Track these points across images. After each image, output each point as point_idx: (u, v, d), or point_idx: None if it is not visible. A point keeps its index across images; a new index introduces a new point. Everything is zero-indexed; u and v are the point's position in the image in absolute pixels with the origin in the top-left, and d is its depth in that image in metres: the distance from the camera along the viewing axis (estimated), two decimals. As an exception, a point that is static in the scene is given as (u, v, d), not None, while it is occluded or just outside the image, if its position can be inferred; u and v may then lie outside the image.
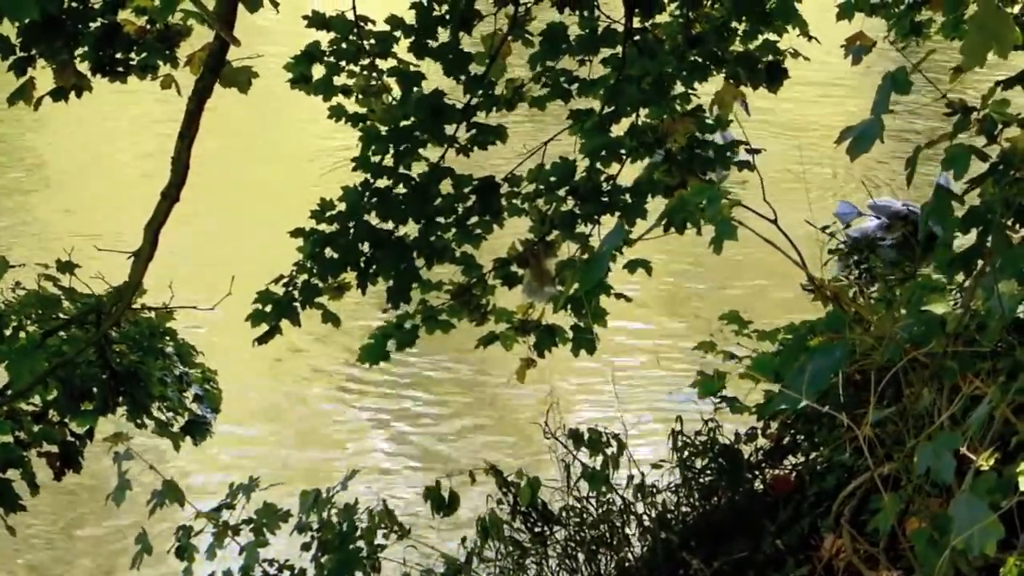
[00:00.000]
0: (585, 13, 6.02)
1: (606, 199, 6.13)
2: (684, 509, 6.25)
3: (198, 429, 6.46)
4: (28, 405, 6.03)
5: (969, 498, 3.13)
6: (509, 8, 6.06)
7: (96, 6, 5.85)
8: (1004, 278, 3.61)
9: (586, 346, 6.29)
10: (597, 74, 6.15)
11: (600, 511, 6.20)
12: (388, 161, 6.06)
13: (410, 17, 5.99)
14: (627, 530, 6.18)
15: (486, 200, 6.12)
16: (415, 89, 6.00)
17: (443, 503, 5.89)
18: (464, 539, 6.05)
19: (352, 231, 6.07)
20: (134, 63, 5.98)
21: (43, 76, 5.95)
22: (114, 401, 6.12)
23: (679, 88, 6.11)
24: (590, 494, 6.19)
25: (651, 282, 7.10)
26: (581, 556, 6.18)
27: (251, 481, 5.74)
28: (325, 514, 5.73)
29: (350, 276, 6.12)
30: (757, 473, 6.21)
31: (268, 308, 6.08)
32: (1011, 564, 3.32)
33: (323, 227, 6.09)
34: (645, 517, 6.18)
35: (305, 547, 5.75)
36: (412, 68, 6.03)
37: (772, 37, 6.07)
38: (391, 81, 6.05)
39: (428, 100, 5.95)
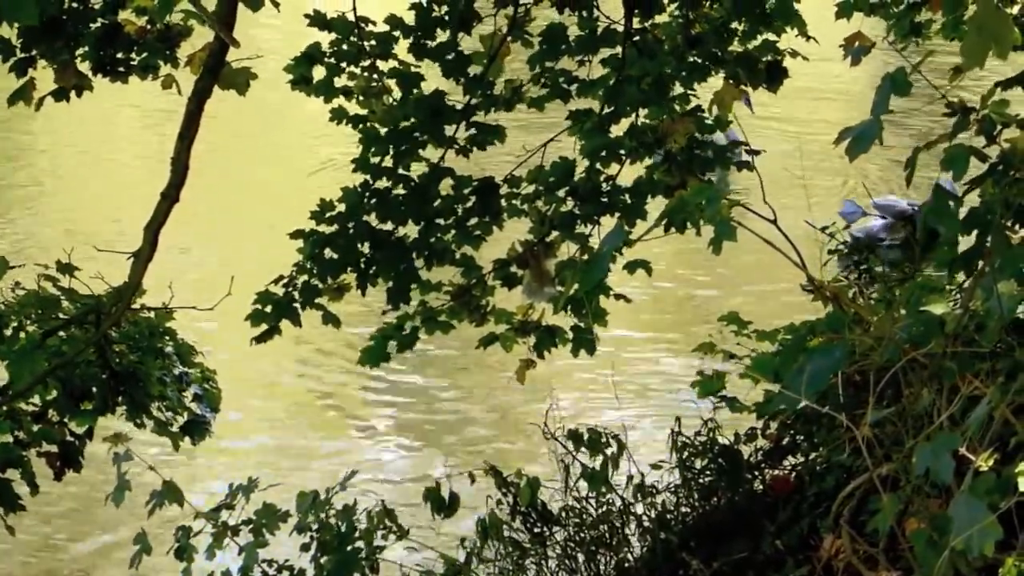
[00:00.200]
0: (584, 13, 6.02)
1: (606, 200, 6.13)
2: (684, 509, 6.25)
3: (197, 429, 6.46)
4: (28, 405, 6.03)
5: (968, 499, 3.13)
6: (508, 9, 6.06)
7: (96, 6, 5.86)
8: (1003, 278, 3.60)
9: (586, 346, 6.29)
10: (596, 74, 6.15)
11: (599, 511, 6.20)
12: (388, 162, 6.06)
13: (409, 18, 5.99)
14: (626, 530, 6.18)
15: (486, 201, 6.12)
16: (415, 91, 6.00)
17: (443, 504, 5.89)
18: (463, 540, 6.05)
19: (352, 232, 6.07)
20: (135, 63, 5.99)
21: (44, 76, 5.95)
22: (114, 401, 6.12)
23: (679, 88, 6.11)
24: (589, 494, 6.19)
25: (652, 282, 7.11)
26: (581, 556, 6.18)
27: (250, 482, 5.74)
28: (324, 515, 5.73)
29: (350, 277, 6.12)
30: (757, 473, 6.21)
31: (268, 308, 6.08)
32: (1010, 565, 3.32)
33: (323, 228, 6.09)
34: (644, 517, 6.18)
35: (304, 548, 5.75)
36: (412, 69, 6.04)
37: (771, 37, 6.07)
38: (391, 82, 6.05)
39: (428, 101, 5.96)
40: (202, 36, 5.82)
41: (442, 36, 5.99)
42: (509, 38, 6.07)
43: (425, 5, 5.94)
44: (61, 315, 6.06)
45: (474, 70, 6.04)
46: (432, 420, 11.23)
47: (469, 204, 6.15)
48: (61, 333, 6.01)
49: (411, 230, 6.18)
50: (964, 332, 3.79)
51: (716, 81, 6.16)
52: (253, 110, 15.22)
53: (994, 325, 3.64)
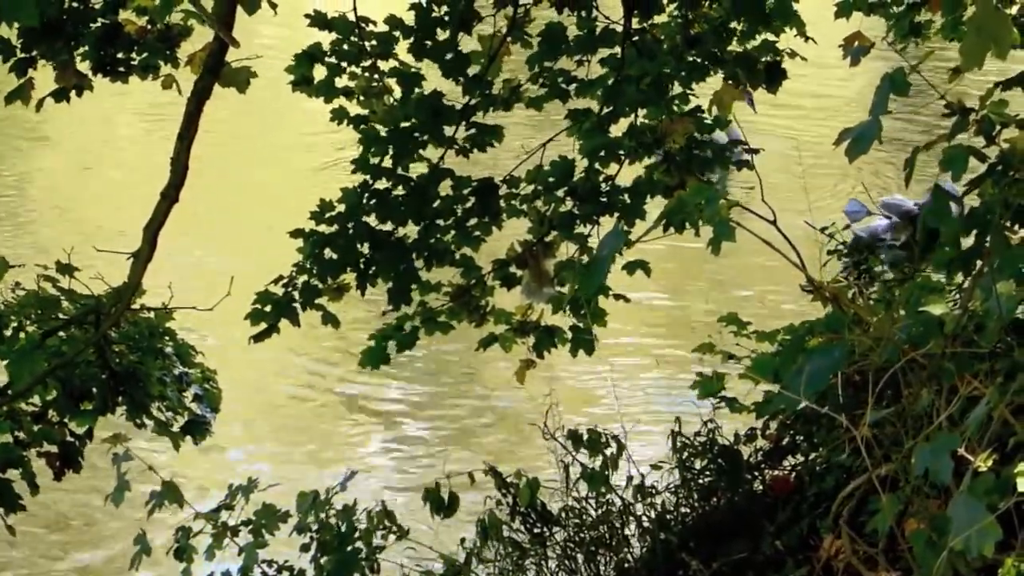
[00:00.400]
0: (583, 13, 6.02)
1: (605, 200, 6.13)
2: (683, 510, 6.25)
3: (198, 429, 6.46)
4: (28, 405, 6.04)
5: (967, 499, 3.13)
6: (508, 9, 6.06)
7: (97, 6, 5.86)
8: (1002, 279, 3.60)
9: (585, 347, 6.29)
10: (596, 74, 6.16)
11: (599, 512, 6.20)
12: (387, 163, 6.06)
13: (409, 18, 5.99)
14: (626, 531, 6.18)
15: (485, 201, 6.12)
16: (416, 90, 6.00)
17: (442, 504, 5.89)
18: (463, 540, 6.05)
19: (351, 232, 6.07)
20: (135, 63, 6.00)
21: (46, 75, 5.96)
22: (114, 401, 6.12)
23: (678, 88, 6.11)
24: (589, 495, 6.19)
25: (652, 283, 7.11)
26: (580, 557, 6.18)
27: (250, 482, 5.74)
28: (324, 515, 5.74)
29: (349, 277, 6.13)
30: (756, 474, 6.21)
31: (268, 308, 6.09)
32: (1009, 565, 3.32)
33: (323, 228, 6.10)
34: (644, 518, 6.18)
35: (304, 548, 5.75)
36: (412, 69, 6.04)
37: (770, 37, 6.07)
38: (392, 82, 6.05)
39: (428, 101, 5.96)
40: (202, 36, 5.82)
41: (442, 36, 5.99)
42: (509, 38, 6.07)
43: (425, 5, 5.94)
44: (61, 315, 6.06)
45: (473, 70, 6.04)
46: (432, 420, 11.23)
47: (468, 204, 6.15)
48: (61, 333, 6.01)
49: (411, 230, 6.18)
50: (963, 332, 3.80)
51: (715, 81, 6.17)
52: (253, 111, 15.26)
53: (993, 325, 3.64)
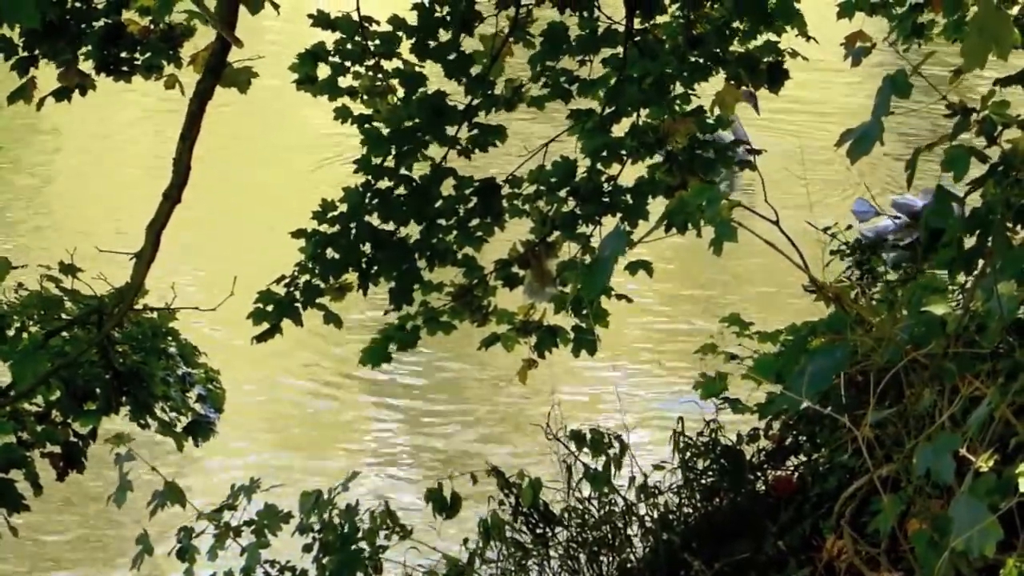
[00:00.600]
0: (585, 14, 6.02)
1: (607, 200, 6.13)
2: (686, 510, 6.26)
3: (201, 429, 6.46)
4: (31, 405, 6.04)
5: (968, 499, 3.12)
6: (510, 9, 6.06)
7: (100, 6, 5.86)
8: (1004, 279, 3.60)
9: (587, 347, 6.29)
10: (598, 74, 6.15)
11: (602, 512, 6.20)
12: (390, 162, 6.06)
13: (411, 18, 6.00)
14: (629, 531, 6.18)
15: (487, 201, 6.12)
16: (420, 90, 6.00)
17: (445, 505, 5.90)
18: (466, 540, 6.06)
19: (353, 232, 6.08)
20: (138, 63, 6.00)
21: (48, 75, 5.96)
22: (117, 401, 6.12)
23: (680, 88, 6.11)
24: (592, 495, 6.19)
25: (654, 283, 7.11)
26: (583, 557, 6.18)
27: (252, 482, 5.74)
28: (326, 515, 5.74)
29: (351, 277, 6.13)
30: (759, 474, 6.21)
31: (269, 308, 6.09)
32: (1011, 565, 3.32)
33: (324, 228, 6.10)
34: (647, 518, 6.19)
35: (307, 548, 5.76)
36: (416, 68, 6.04)
37: (772, 38, 6.06)
38: (395, 82, 6.05)
39: (430, 101, 5.96)
40: (205, 36, 5.82)
41: (444, 36, 5.99)
42: (511, 38, 6.07)
43: (427, 5, 5.94)
44: (64, 316, 6.06)
45: (475, 70, 6.04)
46: (433, 420, 11.23)
47: (471, 204, 6.15)
48: (64, 334, 6.01)
49: (413, 230, 6.18)
50: (965, 333, 3.79)
51: (718, 81, 6.16)
52: (254, 111, 15.26)
53: (995, 326, 3.63)
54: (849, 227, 8.19)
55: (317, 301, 6.13)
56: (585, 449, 6.21)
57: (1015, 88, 5.47)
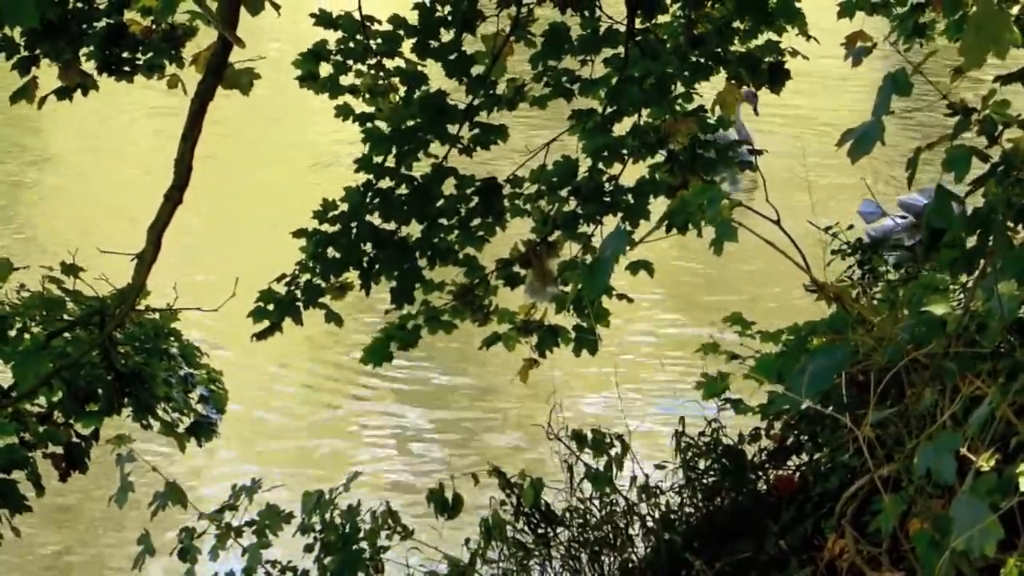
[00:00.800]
0: (587, 13, 6.03)
1: (608, 199, 6.13)
2: (687, 510, 6.25)
3: (204, 430, 6.46)
4: (33, 406, 6.04)
5: (969, 499, 3.12)
6: (511, 9, 6.06)
7: (102, 6, 5.87)
8: (1005, 279, 3.60)
9: (588, 346, 6.29)
10: (599, 74, 6.16)
11: (603, 512, 6.20)
12: (391, 161, 6.07)
13: (413, 18, 6.00)
14: (630, 531, 6.18)
15: (488, 201, 6.13)
16: (423, 88, 6.01)
17: (446, 505, 5.90)
18: (467, 540, 6.06)
19: (355, 231, 6.08)
20: (140, 63, 6.00)
21: (50, 74, 5.96)
22: (119, 402, 6.13)
23: (681, 88, 6.11)
24: (593, 495, 6.19)
25: (656, 283, 7.11)
26: (584, 557, 6.18)
27: (253, 483, 5.75)
28: (328, 515, 5.74)
29: (353, 276, 6.13)
30: (760, 474, 6.21)
31: (270, 307, 6.09)
32: (1011, 565, 3.32)
33: (326, 227, 6.10)
34: (648, 518, 6.19)
35: (308, 549, 5.76)
36: (419, 67, 6.04)
37: (773, 37, 6.06)
38: (397, 81, 6.06)
39: (431, 100, 5.96)
40: (208, 36, 5.83)
41: (445, 36, 5.99)
42: (512, 38, 6.08)
43: (428, 5, 5.95)
44: (66, 317, 6.07)
45: (477, 70, 6.04)
46: (435, 421, 11.23)
47: (472, 204, 6.15)
48: (66, 335, 6.02)
49: (414, 229, 6.18)
50: (966, 333, 3.79)
51: (720, 80, 6.16)
52: (256, 113, 15.26)
53: (995, 325, 3.63)
54: (851, 227, 8.18)
55: (318, 300, 6.13)
56: (586, 449, 6.21)
57: (1016, 87, 5.45)
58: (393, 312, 6.22)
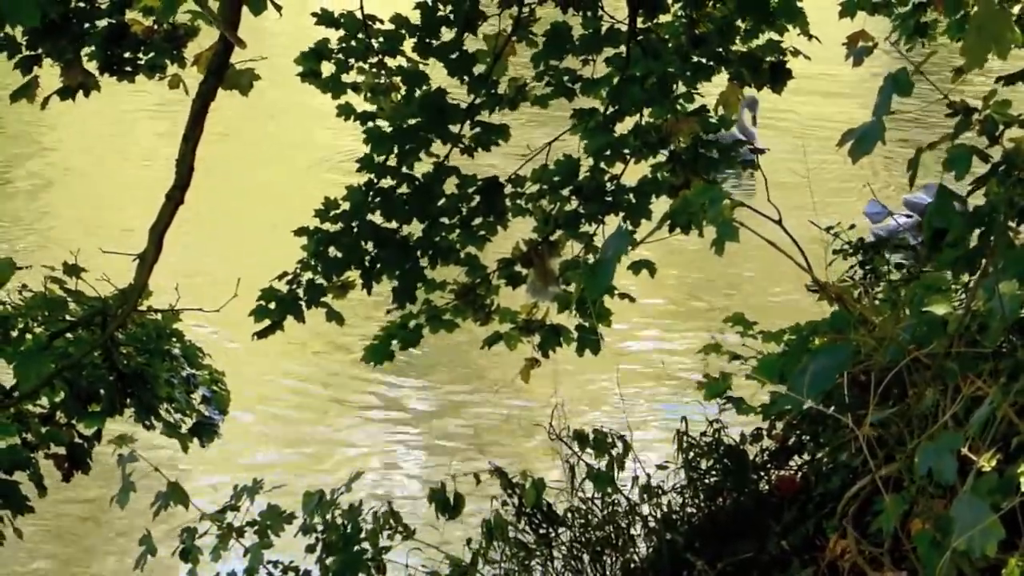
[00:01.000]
0: (588, 13, 6.03)
1: (610, 199, 6.13)
2: (689, 510, 6.24)
3: (206, 431, 6.46)
4: (35, 407, 6.05)
5: (970, 499, 3.12)
6: (513, 9, 6.07)
7: (103, 6, 5.87)
8: (1006, 278, 3.60)
9: (591, 346, 6.29)
10: (601, 74, 6.16)
11: (605, 512, 6.19)
12: (392, 161, 6.07)
13: (415, 16, 6.00)
14: (632, 531, 6.17)
15: (490, 200, 6.13)
16: (424, 87, 6.01)
17: (448, 505, 5.89)
18: (469, 540, 6.05)
19: (356, 230, 6.08)
20: (142, 62, 6.00)
21: (53, 74, 5.96)
22: (121, 403, 6.13)
23: (682, 88, 6.11)
24: (595, 495, 6.19)
25: (658, 282, 7.11)
26: (586, 557, 6.17)
27: (255, 483, 5.74)
28: (329, 516, 5.73)
29: (354, 275, 6.13)
30: (762, 474, 6.20)
31: (272, 305, 6.09)
32: (1013, 565, 3.32)
33: (327, 226, 6.10)
34: (650, 518, 6.18)
35: (309, 549, 5.75)
36: (420, 67, 6.05)
37: (775, 37, 6.06)
38: (398, 80, 6.06)
39: (433, 99, 5.96)
40: (210, 36, 5.83)
41: (447, 35, 5.99)
42: (514, 38, 6.08)
43: (430, 4, 5.95)
44: (68, 317, 6.07)
45: (478, 69, 6.04)
46: (436, 421, 11.23)
47: (473, 203, 6.15)
48: (68, 335, 6.02)
49: (415, 229, 6.18)
50: (967, 332, 3.79)
51: (721, 80, 6.16)
52: (256, 115, 15.27)
53: (997, 325, 3.63)
54: (852, 226, 8.17)
55: (320, 299, 6.13)
56: (588, 449, 6.20)
57: (1017, 87, 5.45)
58: (395, 311, 6.22)
